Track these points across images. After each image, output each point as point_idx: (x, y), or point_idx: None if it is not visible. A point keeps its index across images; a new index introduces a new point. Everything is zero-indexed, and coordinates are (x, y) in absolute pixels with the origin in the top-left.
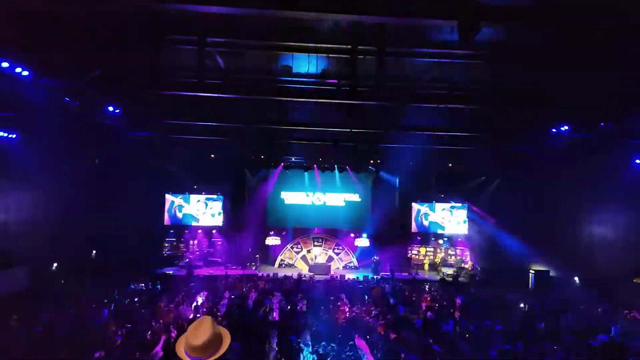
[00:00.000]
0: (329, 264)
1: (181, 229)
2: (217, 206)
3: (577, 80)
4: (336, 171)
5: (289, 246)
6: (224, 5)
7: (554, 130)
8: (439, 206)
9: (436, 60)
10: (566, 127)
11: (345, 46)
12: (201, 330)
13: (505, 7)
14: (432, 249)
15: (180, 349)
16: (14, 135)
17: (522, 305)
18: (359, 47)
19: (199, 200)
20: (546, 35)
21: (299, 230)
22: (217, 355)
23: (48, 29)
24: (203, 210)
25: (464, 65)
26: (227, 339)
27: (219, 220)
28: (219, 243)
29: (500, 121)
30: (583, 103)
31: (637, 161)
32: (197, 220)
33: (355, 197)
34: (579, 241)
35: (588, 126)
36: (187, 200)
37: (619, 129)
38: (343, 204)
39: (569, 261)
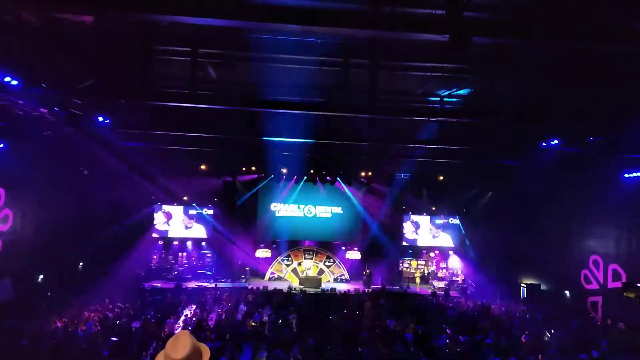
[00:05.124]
0: (319, 277)
1: (169, 241)
2: (206, 218)
3: (567, 95)
4: (327, 183)
5: (279, 259)
6: (214, 18)
7: (544, 144)
8: (430, 219)
9: (428, 74)
10: (556, 141)
11: (337, 59)
12: (180, 344)
13: (496, 21)
14: (423, 262)
15: None
16: (2, 145)
17: (512, 318)
18: (351, 60)
19: (188, 212)
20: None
21: (289, 243)
22: None
23: (37, 39)
24: (192, 222)
25: (456, 79)
26: (206, 354)
27: (208, 232)
28: (208, 255)
29: (491, 134)
30: (573, 117)
31: (626, 175)
32: (186, 232)
33: (346, 210)
34: (569, 255)
35: (578, 140)
36: (176, 212)
37: (608, 144)
38: (333, 216)
39: (559, 275)
